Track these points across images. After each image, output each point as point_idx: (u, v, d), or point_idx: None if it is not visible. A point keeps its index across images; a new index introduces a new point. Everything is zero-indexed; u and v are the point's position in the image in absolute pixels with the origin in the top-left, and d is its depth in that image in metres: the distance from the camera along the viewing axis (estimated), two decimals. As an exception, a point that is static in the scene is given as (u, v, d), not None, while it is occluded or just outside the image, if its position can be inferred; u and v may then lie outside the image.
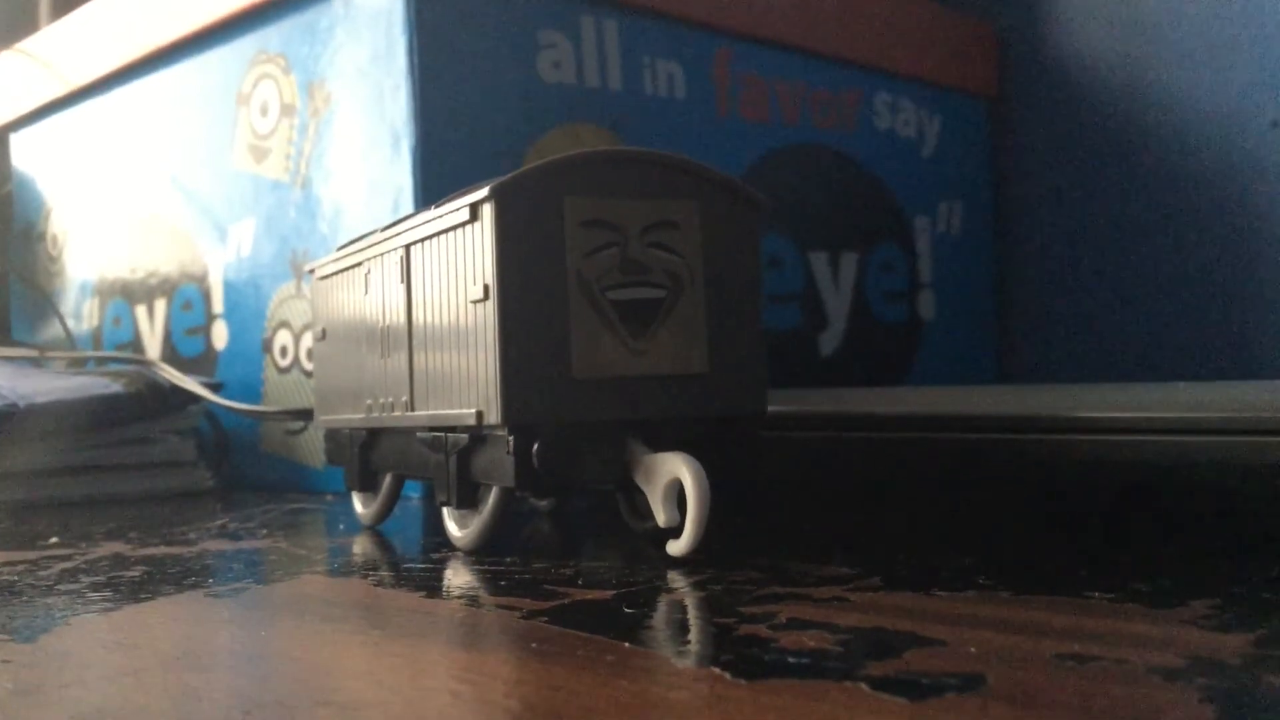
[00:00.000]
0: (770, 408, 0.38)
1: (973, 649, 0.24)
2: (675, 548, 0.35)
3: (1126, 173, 0.85)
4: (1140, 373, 0.84)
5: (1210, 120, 0.81)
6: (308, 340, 0.62)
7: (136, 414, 0.64)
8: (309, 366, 0.62)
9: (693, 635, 0.27)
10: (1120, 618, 0.26)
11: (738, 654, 0.24)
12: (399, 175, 0.56)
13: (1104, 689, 0.20)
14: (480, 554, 0.39)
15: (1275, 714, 0.19)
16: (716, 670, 0.23)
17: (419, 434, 0.40)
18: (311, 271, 0.49)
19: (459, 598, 0.32)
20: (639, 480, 0.35)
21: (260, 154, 0.66)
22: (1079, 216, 0.88)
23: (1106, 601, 0.28)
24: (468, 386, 0.36)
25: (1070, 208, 0.88)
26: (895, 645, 0.24)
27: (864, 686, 0.21)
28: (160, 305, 0.74)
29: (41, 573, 0.38)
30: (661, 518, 0.34)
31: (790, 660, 0.23)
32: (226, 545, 0.43)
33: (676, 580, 0.33)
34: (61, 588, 0.35)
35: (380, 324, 0.42)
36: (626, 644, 0.25)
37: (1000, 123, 0.91)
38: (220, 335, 0.69)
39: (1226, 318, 0.81)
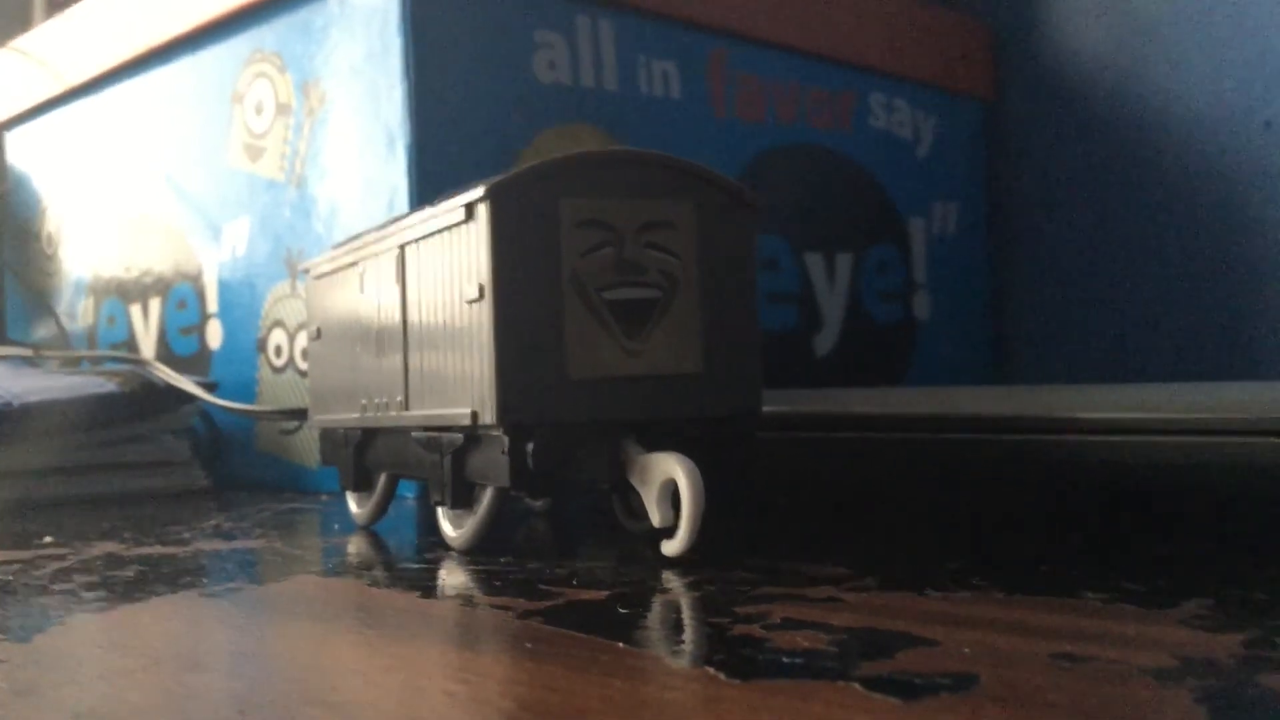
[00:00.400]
0: (766, 408, 0.38)
1: (966, 649, 0.24)
2: (670, 548, 0.35)
3: (1122, 173, 0.85)
4: (1137, 373, 0.84)
5: (1205, 121, 0.81)
6: (303, 340, 0.62)
7: (131, 413, 0.64)
8: (304, 366, 0.62)
9: (687, 635, 0.27)
10: (1113, 618, 0.26)
11: (732, 654, 0.24)
12: (394, 174, 0.56)
13: (1096, 689, 0.20)
14: (475, 554, 0.39)
15: (1267, 714, 0.19)
16: (711, 670, 0.23)
17: (414, 434, 0.40)
18: (306, 271, 0.49)
19: (454, 598, 0.32)
20: (634, 480, 0.35)
21: (255, 153, 0.66)
22: (1075, 217, 0.88)
23: (1100, 602, 0.28)
24: (463, 386, 0.36)
25: (1066, 208, 0.89)
26: (889, 645, 0.24)
27: (857, 686, 0.21)
28: (155, 304, 0.74)
29: (36, 572, 0.38)
30: (656, 518, 0.35)
31: (784, 660, 0.23)
32: (221, 545, 0.43)
33: (671, 580, 0.33)
34: (56, 587, 0.35)
35: (375, 324, 0.42)
36: (621, 644, 0.25)
37: (996, 123, 0.91)
38: (215, 334, 0.69)
39: (1224, 318, 0.81)
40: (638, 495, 0.36)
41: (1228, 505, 0.40)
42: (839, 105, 0.77)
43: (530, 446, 0.34)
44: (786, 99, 0.73)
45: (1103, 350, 0.87)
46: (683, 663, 0.24)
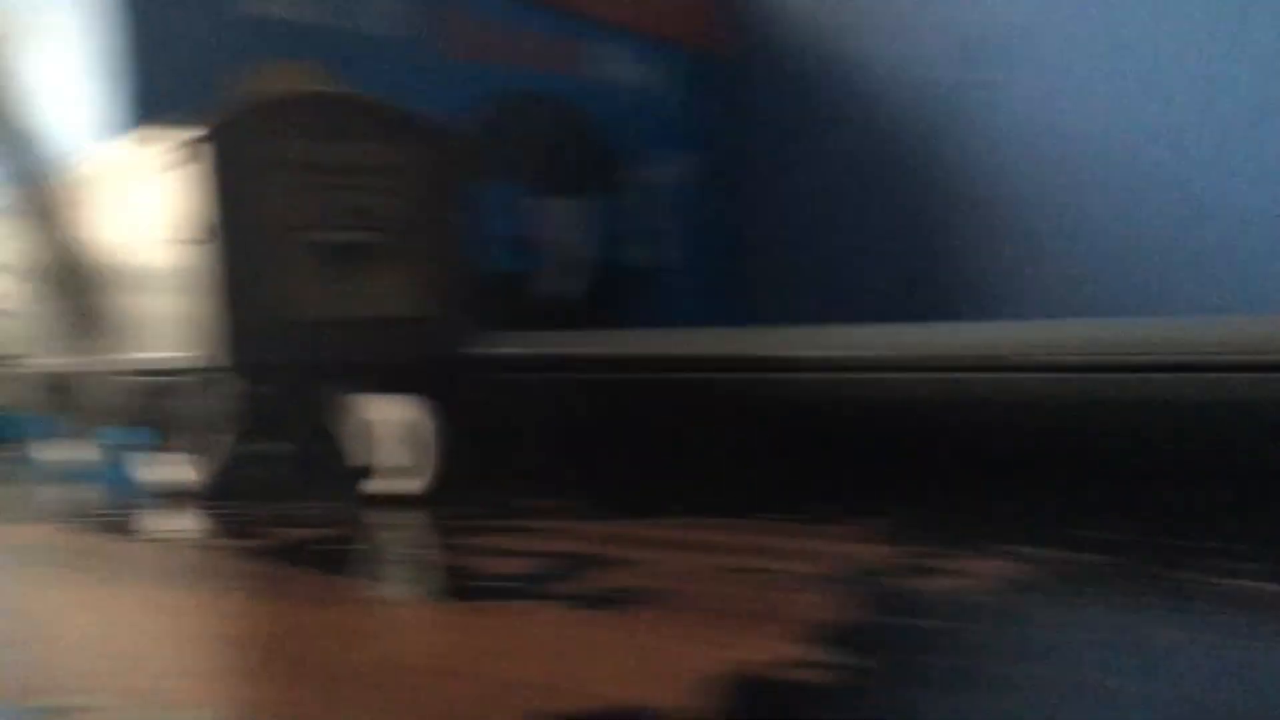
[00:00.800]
0: (491, 349, 0.40)
1: (661, 568, 0.26)
2: (393, 487, 0.36)
3: (847, 126, 0.90)
4: (869, 314, 0.90)
5: (920, 77, 0.87)
6: (10, 280, 0.59)
7: None
8: (11, 307, 0.59)
9: (405, 567, 0.28)
10: (798, 536, 0.29)
11: (447, 582, 0.26)
12: (102, 107, 0.54)
13: (767, 596, 0.23)
14: (201, 497, 0.39)
15: (908, 612, 0.22)
16: (427, 598, 0.24)
17: (135, 379, 0.39)
18: (13, 205, 0.47)
19: (176, 541, 0.32)
20: (355, 423, 0.36)
21: (-51, 81, 0.61)
22: (809, 167, 0.93)
23: (790, 523, 0.30)
24: (185, 330, 0.36)
25: (800, 158, 0.93)
26: (593, 567, 0.26)
27: (562, 605, 0.23)
28: None
29: None
30: (378, 459, 0.35)
31: (496, 585, 0.25)
32: (-80, 496, 0.41)
33: (391, 517, 0.34)
34: None
35: (92, 263, 0.41)
36: (342, 578, 0.26)
37: (730, 73, 0.95)
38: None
39: (942, 263, 0.87)
40: (360, 438, 0.37)
41: (924, 438, 0.44)
42: (570, 51, 0.78)
43: (254, 390, 0.34)
44: (516, 43, 0.74)
45: (835, 293, 0.92)
46: (401, 592, 0.25)
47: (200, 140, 0.34)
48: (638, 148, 0.85)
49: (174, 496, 0.39)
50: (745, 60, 0.94)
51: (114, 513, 0.37)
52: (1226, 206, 0.75)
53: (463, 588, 0.25)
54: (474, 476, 0.41)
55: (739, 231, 0.96)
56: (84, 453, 0.45)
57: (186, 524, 0.34)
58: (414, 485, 0.36)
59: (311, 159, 0.35)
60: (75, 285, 0.42)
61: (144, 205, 0.37)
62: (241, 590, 0.26)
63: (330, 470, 0.42)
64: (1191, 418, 0.33)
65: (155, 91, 0.54)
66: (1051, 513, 0.30)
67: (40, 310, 0.45)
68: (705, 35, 0.92)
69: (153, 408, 0.38)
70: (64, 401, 0.44)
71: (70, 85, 0.55)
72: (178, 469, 0.39)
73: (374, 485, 0.37)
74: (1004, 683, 0.18)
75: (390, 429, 0.36)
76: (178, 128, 0.35)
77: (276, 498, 0.38)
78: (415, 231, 0.37)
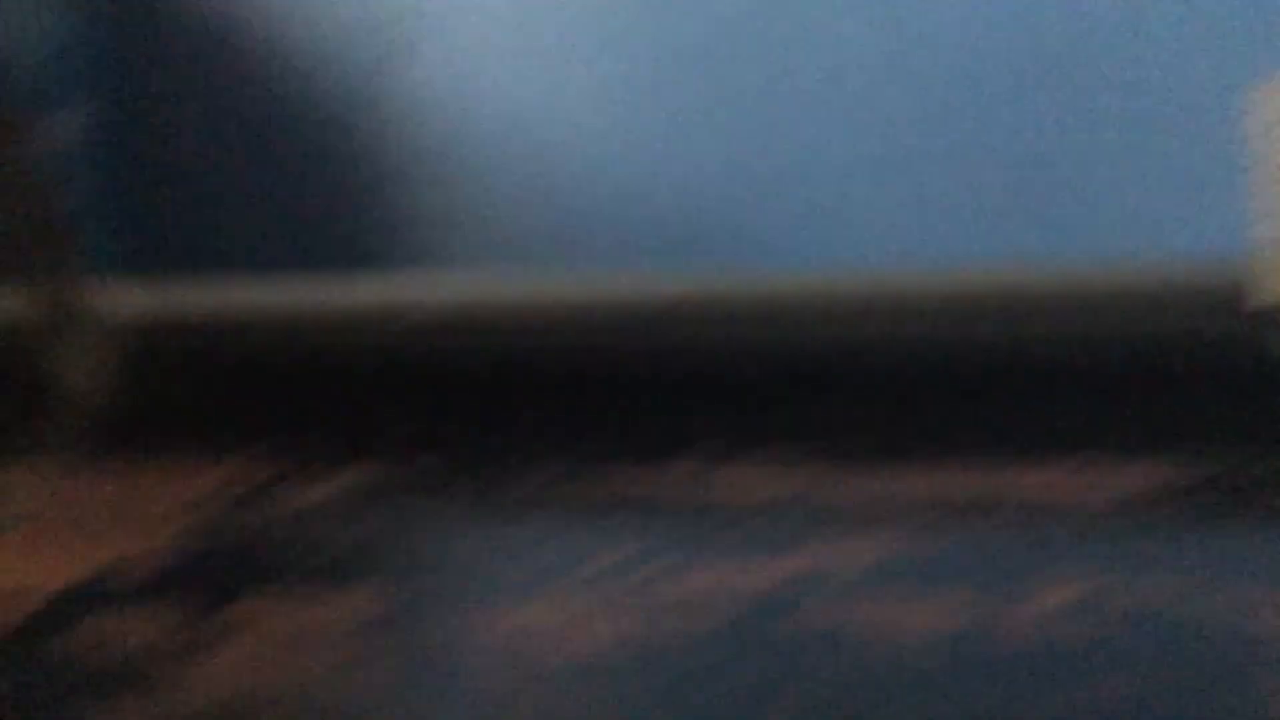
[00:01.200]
0: None
1: (19, 501, 0.28)
2: None
3: (258, 72, 0.90)
4: (269, 264, 0.90)
5: (328, 27, 0.89)
6: None
7: None
8: None
9: None
10: (152, 468, 0.31)
11: None
12: None
13: (117, 522, 0.26)
14: None
15: (259, 523, 0.26)
16: None
17: None
18: None
19: None
20: None
21: None
22: (208, 114, 0.91)
23: (148, 456, 0.33)
24: None
25: (198, 106, 0.91)
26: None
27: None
28: None
29: None
30: None
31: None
32: None
33: None
34: None
35: None
36: None
37: (135, 18, 0.91)
38: None
39: (351, 214, 0.90)
40: None
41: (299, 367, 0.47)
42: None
43: None
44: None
45: (231, 240, 0.91)
46: None
47: None
48: (30, 92, 0.81)
49: None
50: (150, 5, 0.91)
51: None
52: (624, 170, 0.84)
53: None
54: None
55: (138, 179, 0.93)
56: None
57: None
58: None
59: None
60: None
61: None
62: None
63: None
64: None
65: None
66: (399, 431, 0.35)
67: None
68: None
69: None
70: None
71: None
72: None
73: None
74: (348, 574, 0.22)
75: None
76: None
77: None
78: None
